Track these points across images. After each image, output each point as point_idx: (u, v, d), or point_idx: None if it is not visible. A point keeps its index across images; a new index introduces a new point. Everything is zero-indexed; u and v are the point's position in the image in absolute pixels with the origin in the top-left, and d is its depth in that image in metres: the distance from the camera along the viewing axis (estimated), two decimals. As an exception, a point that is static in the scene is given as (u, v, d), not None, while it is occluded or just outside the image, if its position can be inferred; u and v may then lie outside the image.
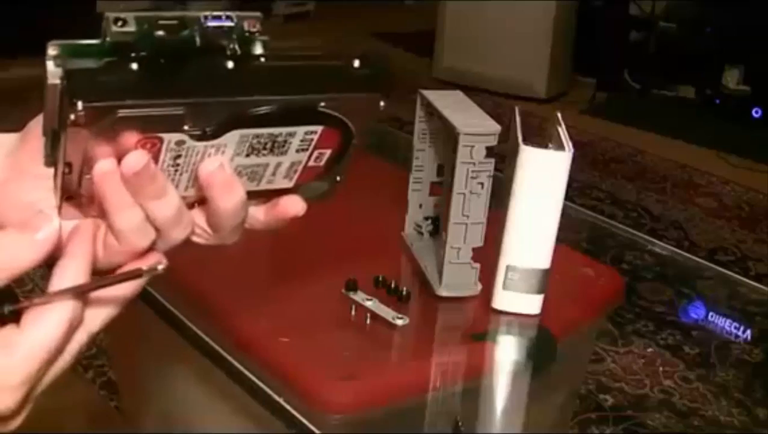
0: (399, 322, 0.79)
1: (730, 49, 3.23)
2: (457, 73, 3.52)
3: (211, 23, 0.43)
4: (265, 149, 0.45)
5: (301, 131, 0.45)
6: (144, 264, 0.45)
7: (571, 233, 0.98)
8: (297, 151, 0.46)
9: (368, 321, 0.80)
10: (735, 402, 1.65)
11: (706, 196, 2.77)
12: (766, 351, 1.64)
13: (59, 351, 0.43)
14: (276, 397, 0.70)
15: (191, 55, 0.42)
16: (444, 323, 0.87)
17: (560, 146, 0.80)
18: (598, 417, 1.61)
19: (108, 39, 0.41)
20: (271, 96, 0.43)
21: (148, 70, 0.41)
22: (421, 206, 0.94)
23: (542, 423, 0.93)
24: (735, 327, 1.01)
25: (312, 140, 0.46)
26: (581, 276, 0.93)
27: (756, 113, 3.16)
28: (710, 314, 1.01)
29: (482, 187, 0.80)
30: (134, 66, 0.41)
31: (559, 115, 0.85)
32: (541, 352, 0.83)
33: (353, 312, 0.81)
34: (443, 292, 0.83)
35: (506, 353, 0.85)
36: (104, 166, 0.42)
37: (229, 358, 0.74)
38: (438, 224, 0.93)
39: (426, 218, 0.94)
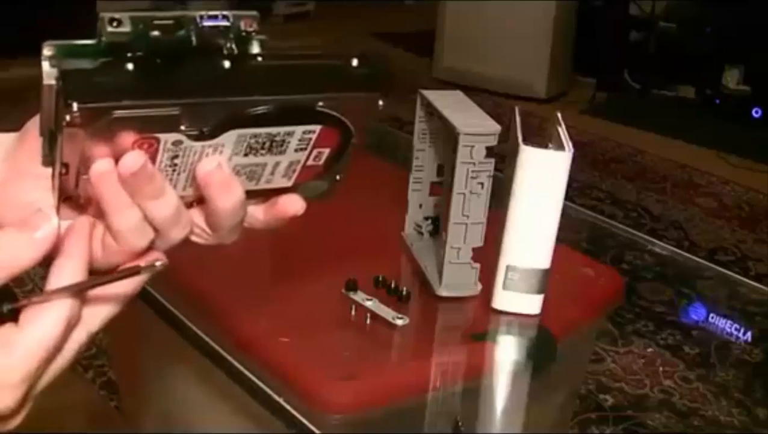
0: (399, 322, 0.79)
1: (730, 49, 3.23)
2: (457, 73, 3.52)
3: (207, 23, 0.43)
4: (263, 148, 0.45)
5: (299, 130, 0.45)
6: (142, 263, 0.45)
7: (571, 233, 0.98)
8: (295, 150, 0.46)
9: (368, 321, 0.80)
10: (735, 402, 1.65)
11: (706, 196, 2.77)
12: (766, 351, 1.64)
13: (58, 349, 0.43)
14: (276, 397, 0.70)
15: (187, 55, 0.42)
16: (444, 323, 0.87)
17: (560, 146, 0.80)
18: (598, 417, 1.61)
19: (103, 39, 0.41)
20: (268, 96, 0.42)
21: (144, 70, 0.41)
22: (421, 206, 0.94)
23: (542, 423, 0.93)
24: (735, 329, 1.01)
25: (310, 139, 0.46)
26: (581, 276, 0.93)
27: (756, 113, 3.16)
28: (711, 315, 1.01)
29: (482, 187, 0.80)
30: (130, 66, 0.40)
31: (559, 115, 0.85)
32: (541, 352, 0.83)
33: (353, 312, 0.80)
34: (443, 292, 0.83)
35: (506, 353, 0.85)
36: (101, 166, 0.42)
37: (229, 358, 0.74)
38: (438, 224, 0.93)
39: (426, 218, 0.94)
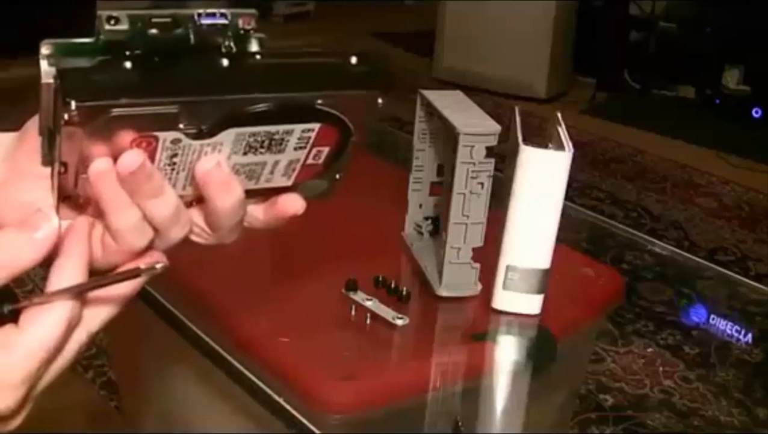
0: (399, 322, 0.79)
1: (730, 49, 3.22)
2: (457, 73, 3.52)
3: (205, 21, 0.43)
4: (262, 147, 0.45)
5: (298, 128, 0.45)
6: (143, 263, 0.45)
7: (571, 233, 0.98)
8: (295, 149, 0.46)
9: (368, 321, 0.80)
10: (735, 402, 1.65)
11: (706, 196, 2.77)
12: (766, 350, 1.64)
13: (58, 350, 0.43)
14: (276, 397, 0.70)
15: (185, 53, 0.42)
16: (444, 323, 0.86)
17: (560, 146, 0.80)
18: (598, 417, 1.61)
19: (101, 37, 0.41)
20: (267, 93, 0.42)
21: (142, 68, 0.41)
22: (421, 206, 0.94)
23: (542, 423, 0.93)
24: (736, 331, 1.01)
25: (310, 137, 0.46)
26: (581, 276, 0.93)
27: (756, 113, 3.16)
28: (711, 317, 1.01)
29: (482, 187, 0.80)
30: (128, 65, 0.40)
31: (559, 115, 0.85)
32: (541, 352, 0.83)
33: (353, 312, 0.80)
34: (443, 292, 0.83)
35: (506, 353, 0.85)
36: (100, 165, 0.42)
37: (229, 358, 0.74)
38: (438, 224, 0.93)
39: (426, 218, 0.94)
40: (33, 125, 0.46)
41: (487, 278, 0.83)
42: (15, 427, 0.43)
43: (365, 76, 0.45)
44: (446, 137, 0.88)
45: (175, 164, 0.44)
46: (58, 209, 0.45)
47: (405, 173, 0.93)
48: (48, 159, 0.45)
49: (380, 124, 1.38)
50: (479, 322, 0.83)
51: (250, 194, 0.48)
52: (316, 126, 0.45)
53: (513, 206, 0.79)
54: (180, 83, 0.41)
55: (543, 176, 0.78)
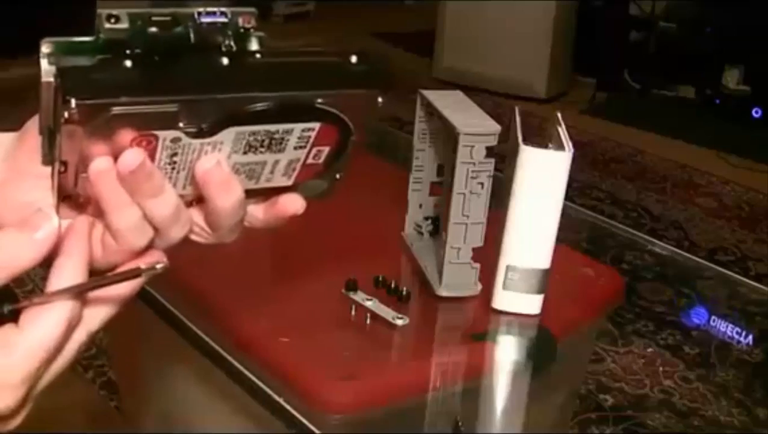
0: (399, 322, 0.79)
1: (730, 49, 3.22)
2: (457, 73, 3.52)
3: (205, 19, 0.43)
4: (262, 146, 0.45)
5: (298, 127, 0.45)
6: (143, 263, 0.45)
7: (571, 233, 0.98)
8: (295, 148, 0.46)
9: (368, 321, 0.80)
10: (735, 402, 1.65)
11: (706, 196, 2.77)
12: (766, 351, 1.64)
13: (58, 350, 0.43)
14: (276, 397, 0.70)
15: (185, 51, 0.42)
16: (444, 323, 0.86)
17: (560, 146, 0.80)
18: (598, 417, 1.61)
19: (101, 36, 0.41)
20: (267, 92, 0.42)
21: (142, 67, 0.41)
22: (421, 206, 0.94)
23: (542, 423, 0.93)
24: (737, 332, 1.01)
25: (310, 137, 0.46)
26: (581, 276, 0.93)
27: (756, 113, 3.16)
28: (712, 318, 1.00)
29: (482, 187, 0.80)
30: (128, 63, 0.40)
31: (559, 115, 0.85)
32: (541, 352, 0.83)
33: (353, 312, 0.80)
34: (443, 292, 0.83)
35: (506, 353, 0.85)
36: (100, 164, 0.42)
37: (229, 358, 0.74)
38: (438, 224, 0.93)
39: (426, 218, 0.94)
40: (33, 124, 0.46)
41: (487, 278, 0.83)
42: (15, 427, 0.43)
43: (365, 76, 0.45)
44: (446, 137, 0.88)
45: (175, 163, 0.44)
46: (58, 208, 0.45)
47: (405, 173, 0.93)
48: (48, 159, 0.45)
49: (380, 124, 1.38)
50: (479, 322, 0.83)
51: (251, 194, 0.48)
52: (317, 125, 0.45)
53: (513, 206, 0.79)
54: (180, 82, 0.41)
55: (543, 176, 0.78)
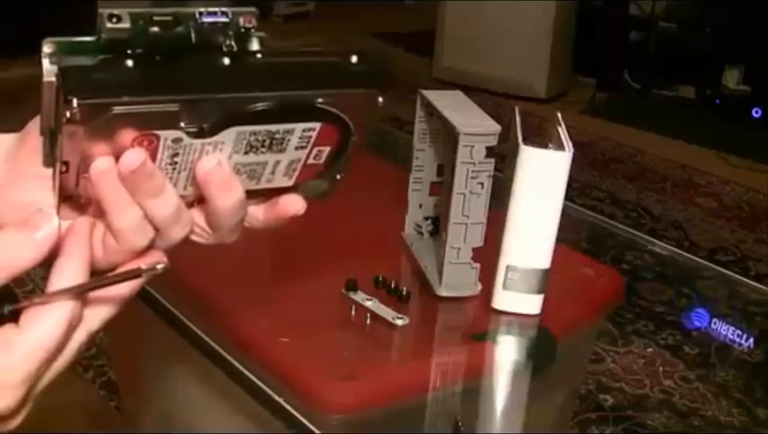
0: (399, 322, 0.79)
1: (730, 49, 3.22)
2: (457, 73, 3.51)
3: (206, 19, 0.43)
4: (263, 146, 0.45)
5: (299, 127, 0.45)
6: (144, 263, 0.45)
7: (571, 233, 0.98)
8: (296, 148, 0.46)
9: (368, 321, 0.80)
10: (735, 402, 1.65)
11: (706, 196, 2.77)
12: (766, 351, 1.64)
13: (59, 350, 0.43)
14: (276, 397, 0.70)
15: (186, 51, 0.42)
16: (444, 323, 0.86)
17: (560, 146, 0.80)
18: (598, 417, 1.61)
19: (103, 36, 0.41)
20: (267, 92, 0.42)
21: (143, 66, 0.41)
22: (421, 206, 0.94)
23: (542, 423, 0.93)
24: (737, 334, 1.01)
25: (310, 137, 0.46)
26: (581, 276, 0.93)
27: (756, 113, 3.16)
28: (713, 321, 1.00)
29: (482, 187, 0.80)
30: (129, 63, 0.41)
31: (559, 115, 0.85)
32: (541, 352, 0.83)
33: (353, 312, 0.80)
34: (443, 292, 0.83)
35: (506, 353, 0.85)
36: (101, 164, 0.42)
37: (229, 358, 0.74)
38: (438, 224, 0.93)
39: (426, 218, 0.94)
40: (34, 125, 0.46)
41: (487, 278, 0.83)
42: (15, 427, 0.43)
43: (365, 75, 0.45)
44: (446, 137, 0.88)
45: (176, 163, 0.44)
46: (59, 209, 0.45)
47: (405, 173, 0.93)
48: (49, 160, 0.45)
49: (380, 124, 1.38)
50: (479, 322, 0.83)
51: (251, 195, 0.48)
52: (317, 125, 0.45)
53: (513, 206, 0.79)
54: (181, 82, 0.41)
55: (543, 176, 0.78)
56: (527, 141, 0.78)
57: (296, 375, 0.72)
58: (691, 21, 3.35)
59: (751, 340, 1.00)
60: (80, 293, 0.43)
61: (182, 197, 0.46)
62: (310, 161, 0.47)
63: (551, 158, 0.78)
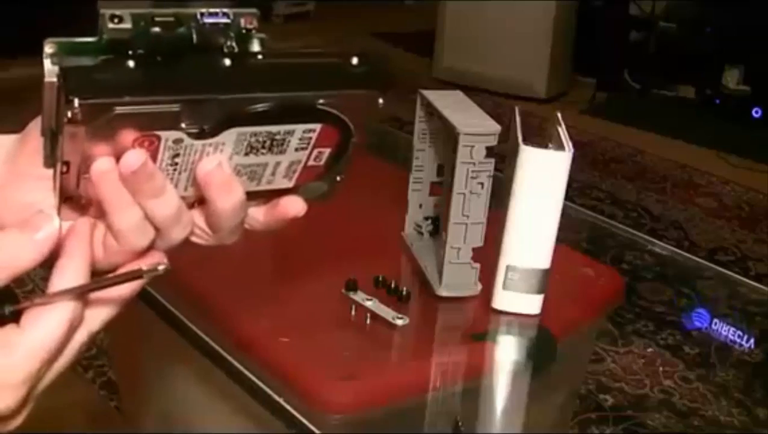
0: (399, 322, 0.79)
1: (730, 49, 3.23)
2: (457, 73, 3.52)
3: (208, 20, 0.43)
4: (263, 147, 0.45)
5: (299, 129, 0.45)
6: (144, 264, 0.45)
7: (571, 233, 0.98)
8: (296, 150, 0.46)
9: (368, 321, 0.80)
10: (735, 402, 1.65)
11: (706, 196, 2.77)
12: (766, 351, 1.64)
13: (60, 350, 0.43)
14: (276, 397, 0.70)
15: (187, 52, 0.42)
16: (444, 323, 0.87)
17: (560, 146, 0.80)
18: (598, 417, 1.61)
19: (104, 36, 0.41)
20: (268, 93, 0.42)
21: (145, 67, 0.41)
22: (421, 206, 0.94)
23: (542, 423, 0.93)
24: (736, 331, 1.01)
25: (311, 138, 0.46)
26: (581, 276, 0.93)
27: (756, 113, 3.16)
28: (713, 321, 1.00)
29: (482, 187, 0.80)
30: (130, 63, 0.41)
31: (559, 115, 0.85)
32: (541, 352, 0.83)
33: (353, 312, 0.80)
34: (443, 292, 0.83)
35: (506, 353, 0.85)
36: (102, 165, 0.42)
37: (229, 358, 0.74)
38: (438, 224, 0.93)
39: (426, 218, 0.94)
40: (35, 126, 0.46)
41: (487, 278, 0.83)
42: (15, 427, 0.43)
43: (366, 76, 0.45)
44: (446, 137, 0.88)
45: (177, 164, 0.44)
46: (60, 209, 0.45)
47: (405, 173, 0.93)
48: (50, 160, 0.45)
49: (380, 124, 1.38)
50: (479, 322, 0.83)
51: (252, 196, 0.48)
52: (318, 126, 0.45)
53: (513, 206, 0.79)
54: (182, 82, 0.41)
55: (543, 176, 0.78)
56: (527, 141, 0.78)
57: (296, 375, 0.72)
58: (691, 21, 3.35)
59: (752, 340, 1.00)
60: (81, 294, 0.43)
61: (183, 198, 0.46)
62: (311, 162, 0.47)
63: (551, 158, 0.78)
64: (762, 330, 1.03)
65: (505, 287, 0.82)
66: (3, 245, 0.42)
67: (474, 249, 0.82)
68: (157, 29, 0.42)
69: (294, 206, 0.49)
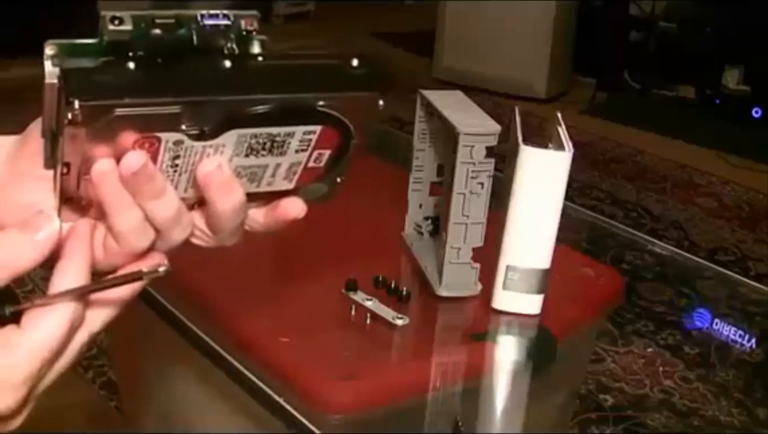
0: (399, 322, 0.79)
1: (730, 49, 3.23)
2: (457, 73, 3.52)
3: (208, 21, 0.43)
4: (264, 149, 0.45)
5: (299, 130, 0.45)
6: (144, 265, 0.45)
7: (571, 233, 0.98)
8: (296, 151, 0.46)
9: (368, 321, 0.80)
10: (735, 402, 1.65)
11: (706, 196, 2.77)
12: (766, 351, 1.64)
13: (60, 351, 0.43)
14: (276, 397, 0.70)
15: (188, 53, 0.42)
16: (444, 323, 0.87)
17: (560, 146, 0.80)
18: (598, 417, 1.61)
19: (105, 38, 0.41)
20: (268, 95, 0.43)
21: (145, 69, 0.41)
22: (421, 206, 0.94)
23: (542, 423, 0.93)
24: (736, 331, 1.01)
25: (311, 140, 0.46)
26: (581, 276, 0.93)
27: (756, 113, 3.16)
28: (713, 321, 1.01)
29: (482, 187, 0.80)
30: (131, 65, 0.41)
31: (559, 115, 0.85)
32: (541, 352, 0.83)
33: (353, 312, 0.81)
34: (443, 292, 0.84)
35: (506, 353, 0.85)
36: (102, 166, 0.42)
37: (229, 358, 0.74)
38: (438, 224, 0.93)
39: (426, 218, 0.94)
40: (36, 127, 0.46)
41: (487, 278, 0.83)
42: (16, 427, 0.44)
43: (366, 78, 0.45)
44: (446, 137, 0.88)
45: (177, 166, 0.44)
46: (60, 210, 0.45)
47: (405, 173, 0.93)
48: (51, 161, 0.45)
49: (380, 124, 1.38)
50: (479, 322, 0.84)
51: (252, 198, 0.48)
52: (318, 128, 0.45)
53: (513, 206, 0.80)
54: (183, 84, 0.41)
55: (543, 176, 0.78)
56: (527, 141, 0.79)
57: (296, 375, 0.72)
58: (691, 21, 3.35)
59: (752, 340, 1.01)
60: (82, 295, 0.43)
61: (183, 199, 0.46)
62: (311, 164, 0.47)
63: (551, 158, 0.78)
64: (762, 330, 1.03)
65: (505, 287, 0.82)
66: (3, 245, 0.42)
67: (474, 249, 0.82)
68: (157, 31, 0.42)
69: (294, 208, 0.49)
